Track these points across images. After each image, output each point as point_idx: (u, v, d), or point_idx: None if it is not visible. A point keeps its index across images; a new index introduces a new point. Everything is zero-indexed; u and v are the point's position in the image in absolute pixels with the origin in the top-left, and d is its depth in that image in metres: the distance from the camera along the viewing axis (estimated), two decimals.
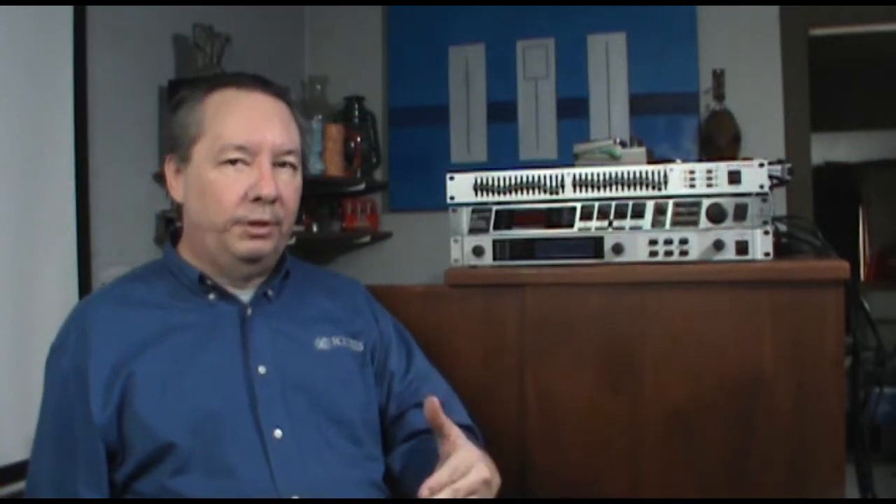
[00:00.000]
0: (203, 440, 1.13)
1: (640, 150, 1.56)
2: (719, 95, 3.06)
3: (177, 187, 1.24)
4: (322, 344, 1.27)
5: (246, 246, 1.20)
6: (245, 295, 1.25)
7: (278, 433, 1.17)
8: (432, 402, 1.10)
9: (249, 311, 1.24)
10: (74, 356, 1.17)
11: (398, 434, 1.31)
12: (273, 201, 1.19)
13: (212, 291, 1.23)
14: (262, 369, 1.20)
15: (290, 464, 1.16)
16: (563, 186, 1.46)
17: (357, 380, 1.28)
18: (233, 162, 1.18)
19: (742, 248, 1.37)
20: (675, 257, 1.40)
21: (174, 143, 1.23)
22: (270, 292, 1.27)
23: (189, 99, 1.23)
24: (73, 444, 1.15)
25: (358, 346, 1.30)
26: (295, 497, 1.14)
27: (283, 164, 1.22)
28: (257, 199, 1.18)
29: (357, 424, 1.25)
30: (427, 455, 1.18)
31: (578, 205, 1.45)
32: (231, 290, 1.24)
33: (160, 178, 2.51)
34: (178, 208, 1.27)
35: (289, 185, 1.22)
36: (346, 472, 1.21)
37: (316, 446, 1.19)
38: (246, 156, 1.19)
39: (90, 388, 1.14)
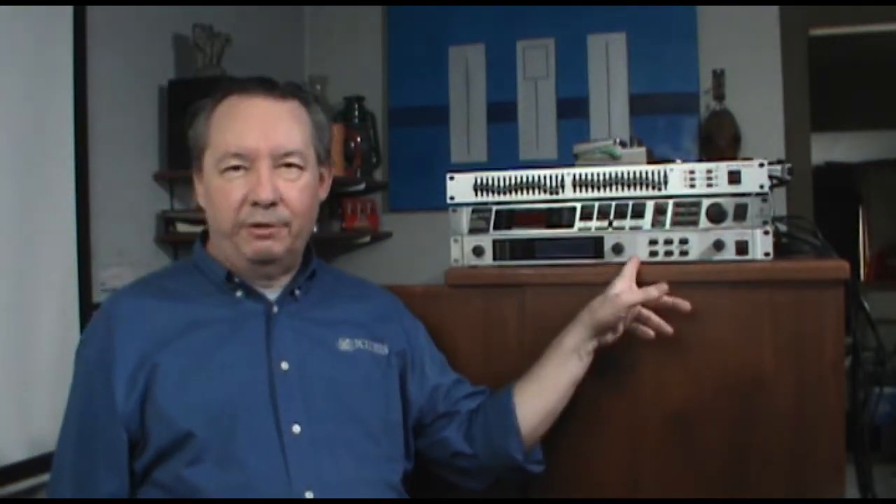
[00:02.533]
0: (220, 431, 1.16)
1: (640, 150, 1.55)
2: (719, 95, 3.06)
3: (199, 194, 1.29)
4: (345, 345, 1.29)
5: (253, 247, 1.22)
6: (272, 293, 1.28)
7: (297, 428, 1.19)
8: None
9: (275, 309, 1.26)
10: (100, 348, 1.20)
11: (449, 424, 1.36)
12: (272, 204, 1.21)
13: (239, 289, 1.27)
14: (284, 365, 1.22)
15: (306, 459, 1.18)
16: (563, 186, 1.46)
17: (378, 382, 1.30)
18: (235, 168, 1.22)
19: (742, 248, 1.37)
20: (675, 257, 1.40)
21: (192, 154, 1.28)
22: (297, 291, 1.30)
23: (202, 109, 1.27)
24: (95, 433, 1.19)
25: (382, 350, 1.32)
26: (308, 494, 1.16)
27: (289, 165, 1.24)
28: (255, 204, 1.21)
29: (376, 424, 1.28)
30: (500, 414, 1.32)
31: (578, 205, 1.45)
32: (258, 288, 1.27)
33: (160, 178, 2.55)
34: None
35: (292, 185, 1.23)
36: (361, 471, 1.23)
37: (333, 443, 1.21)
38: (244, 162, 1.21)
39: (114, 379, 1.17)
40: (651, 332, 1.33)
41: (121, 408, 1.16)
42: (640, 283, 1.35)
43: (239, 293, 1.27)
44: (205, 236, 1.33)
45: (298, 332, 1.26)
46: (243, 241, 1.23)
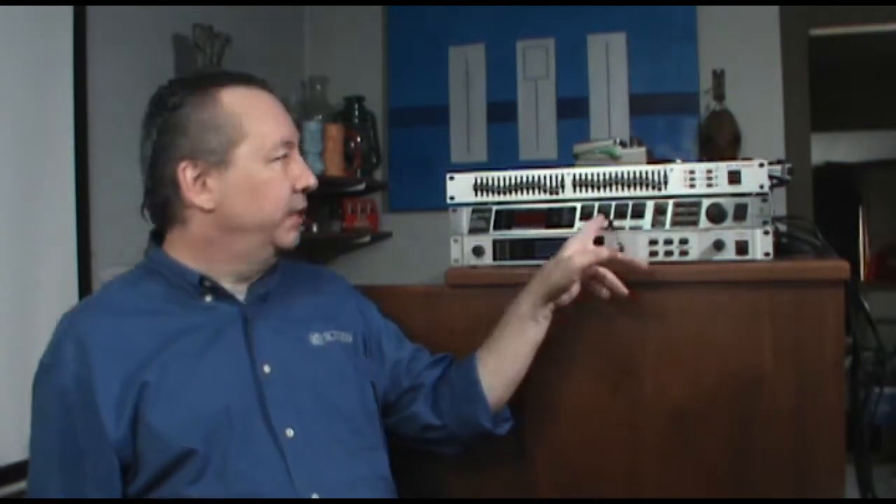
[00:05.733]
0: (219, 444, 1.13)
1: (640, 150, 1.55)
2: (719, 95, 3.06)
3: (203, 193, 1.19)
4: (316, 340, 1.28)
5: (293, 237, 1.24)
6: (239, 295, 1.25)
7: (290, 432, 1.18)
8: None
9: (249, 311, 1.24)
10: (75, 371, 1.13)
11: (415, 399, 1.36)
12: None
13: (209, 293, 1.22)
14: (266, 368, 1.20)
15: (305, 462, 1.17)
16: (563, 186, 1.46)
17: (351, 372, 1.30)
18: (279, 158, 1.21)
19: (742, 248, 1.37)
20: (675, 257, 1.40)
21: (195, 149, 1.18)
22: (263, 291, 1.27)
23: (199, 102, 1.19)
24: (82, 462, 1.12)
25: (347, 338, 1.32)
26: (315, 496, 1.16)
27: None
28: (304, 189, 1.24)
29: (359, 416, 1.28)
30: (466, 385, 1.32)
31: (578, 205, 1.45)
32: (230, 290, 1.24)
33: None
34: (168, 214, 1.22)
35: None
36: (356, 468, 1.23)
37: (325, 443, 1.21)
38: (288, 150, 1.23)
39: (99, 404, 1.11)
40: (605, 292, 1.32)
41: (111, 433, 1.10)
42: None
43: (209, 298, 1.22)
44: (157, 241, 1.26)
45: (274, 333, 1.24)
46: (284, 231, 1.23)
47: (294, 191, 1.23)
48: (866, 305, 1.49)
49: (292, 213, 1.23)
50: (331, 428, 1.23)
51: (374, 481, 1.26)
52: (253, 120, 1.20)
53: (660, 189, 1.41)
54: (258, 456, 1.15)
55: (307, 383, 1.23)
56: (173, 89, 1.21)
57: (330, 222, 3.21)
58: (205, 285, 1.21)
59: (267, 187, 1.20)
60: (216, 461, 1.12)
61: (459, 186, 1.50)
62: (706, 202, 1.39)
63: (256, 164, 1.19)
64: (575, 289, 1.31)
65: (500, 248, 1.48)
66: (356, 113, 3.31)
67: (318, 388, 1.24)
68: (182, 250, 1.23)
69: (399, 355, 1.37)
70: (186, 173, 1.18)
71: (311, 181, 1.24)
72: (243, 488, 1.13)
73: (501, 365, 1.32)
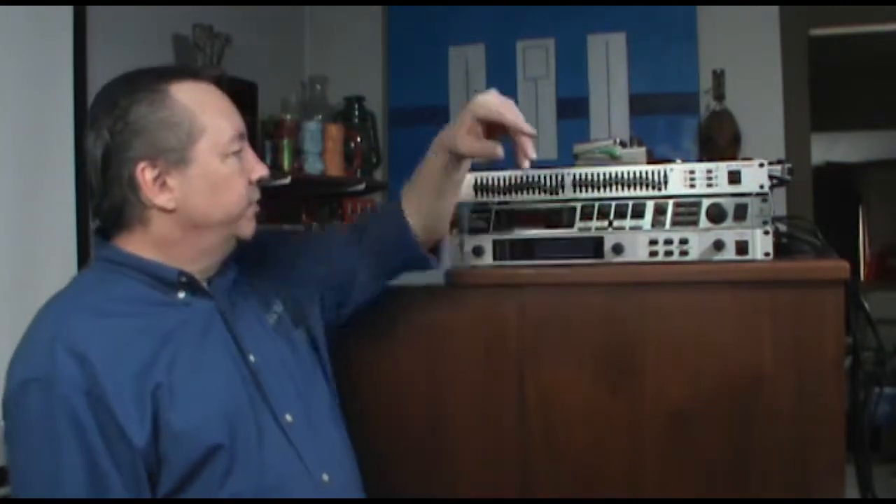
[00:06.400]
0: (239, 436, 1.13)
1: (640, 150, 1.55)
2: (719, 95, 3.06)
3: (163, 193, 1.14)
4: (272, 321, 1.29)
5: (252, 227, 1.23)
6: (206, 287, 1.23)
7: (289, 417, 1.19)
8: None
9: (223, 304, 1.22)
10: (80, 383, 1.05)
11: (352, 284, 1.38)
12: None
13: (183, 290, 1.18)
14: (252, 358, 1.20)
15: (308, 445, 1.19)
16: (563, 186, 1.46)
17: (299, 343, 1.31)
18: (235, 153, 1.19)
19: (742, 248, 1.37)
20: (675, 257, 1.40)
21: (154, 148, 1.13)
22: (227, 285, 1.25)
23: (153, 100, 1.15)
24: (108, 481, 1.05)
25: (278, 308, 1.32)
26: (325, 477, 1.18)
27: None
28: (258, 181, 1.22)
29: (326, 390, 1.30)
30: (395, 232, 1.36)
31: (578, 205, 1.45)
32: (202, 284, 1.21)
33: None
34: (126, 216, 1.16)
35: None
36: (339, 446, 1.27)
37: (312, 423, 1.23)
38: (241, 144, 1.21)
39: (117, 412, 1.05)
40: (500, 151, 1.30)
41: (137, 440, 1.05)
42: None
43: (182, 294, 1.18)
44: (107, 238, 1.20)
45: (245, 323, 1.23)
46: (246, 222, 1.21)
47: (249, 182, 1.21)
48: (866, 305, 1.49)
49: (251, 204, 1.22)
50: (312, 408, 1.25)
51: (351, 459, 1.28)
52: (207, 115, 1.16)
53: (660, 189, 1.41)
54: (273, 445, 1.16)
55: (283, 367, 1.24)
56: (121, 87, 1.18)
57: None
58: (181, 281, 1.18)
59: (227, 183, 1.17)
60: (241, 454, 1.12)
61: None
62: (706, 202, 1.39)
63: (214, 159, 1.16)
64: (462, 130, 1.33)
65: (500, 249, 1.48)
66: (356, 113, 3.31)
67: (292, 370, 1.25)
68: (145, 251, 1.17)
69: (329, 256, 1.38)
70: (146, 174, 1.13)
71: (264, 172, 1.22)
72: (270, 478, 1.14)
73: (428, 210, 1.37)
